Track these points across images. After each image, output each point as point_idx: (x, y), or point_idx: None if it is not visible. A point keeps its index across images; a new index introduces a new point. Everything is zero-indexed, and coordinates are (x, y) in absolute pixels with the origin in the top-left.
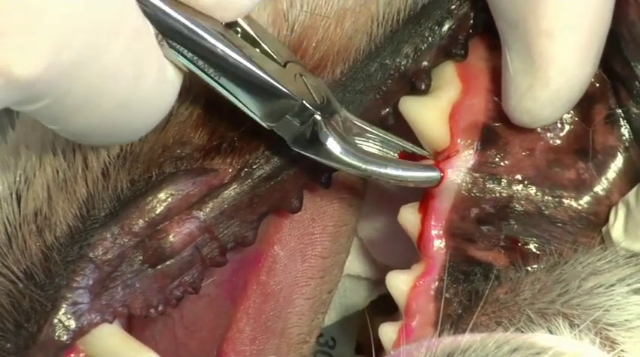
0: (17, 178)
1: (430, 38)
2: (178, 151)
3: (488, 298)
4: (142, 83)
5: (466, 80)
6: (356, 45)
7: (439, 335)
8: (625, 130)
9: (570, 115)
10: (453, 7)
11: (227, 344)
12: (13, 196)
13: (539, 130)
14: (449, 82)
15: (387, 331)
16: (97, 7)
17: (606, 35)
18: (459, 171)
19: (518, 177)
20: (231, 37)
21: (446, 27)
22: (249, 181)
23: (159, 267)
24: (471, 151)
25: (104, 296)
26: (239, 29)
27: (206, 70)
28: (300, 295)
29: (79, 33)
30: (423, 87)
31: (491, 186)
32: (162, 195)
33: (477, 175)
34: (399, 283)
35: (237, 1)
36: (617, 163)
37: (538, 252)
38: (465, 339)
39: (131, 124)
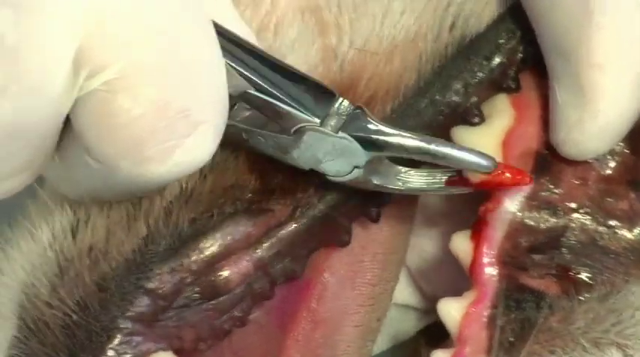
0: (77, 214)
1: (480, 73)
2: (238, 192)
3: (542, 326)
4: None
5: (519, 108)
6: (405, 81)
7: None
8: None
9: (620, 147)
10: (502, 41)
11: None
12: (68, 229)
13: (590, 159)
14: (502, 111)
15: None
16: None
17: None
18: (513, 199)
19: (572, 206)
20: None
21: (496, 61)
22: (305, 219)
23: (212, 302)
24: None
25: (158, 327)
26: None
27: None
28: (350, 323)
29: None
30: (476, 120)
31: (545, 214)
32: (222, 234)
33: (532, 203)
34: (451, 310)
35: None
36: None
37: (590, 282)
38: None
39: None
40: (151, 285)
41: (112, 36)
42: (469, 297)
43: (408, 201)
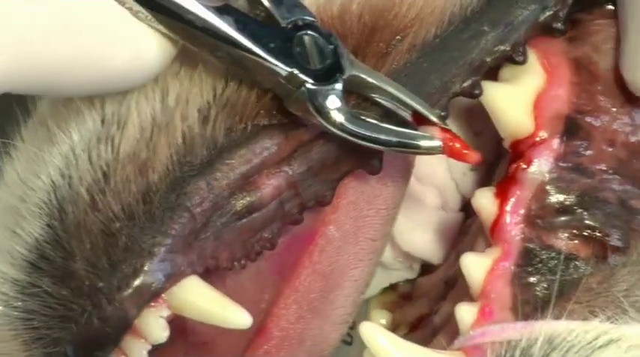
0: (109, 117)
1: (528, 11)
2: (271, 102)
3: (581, 287)
4: (111, 64)
5: (549, 71)
6: (450, 7)
7: (523, 319)
8: None
9: None
10: None
11: (271, 320)
12: (108, 134)
13: (619, 122)
14: (533, 71)
15: (465, 312)
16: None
17: None
18: (543, 160)
19: (602, 167)
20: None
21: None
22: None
23: (245, 220)
24: (556, 141)
25: (196, 247)
26: None
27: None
28: (350, 278)
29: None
30: (520, 59)
31: (574, 176)
32: (257, 147)
33: (561, 164)
34: (475, 265)
35: None
36: None
37: (619, 243)
38: (564, 324)
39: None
40: (190, 201)
41: None
42: (493, 254)
43: (406, 156)
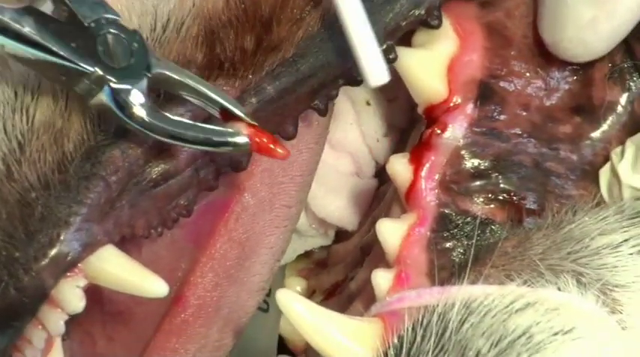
0: (23, 88)
1: None
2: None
3: (497, 251)
4: None
5: (462, 36)
6: None
7: (439, 285)
8: (632, 84)
9: (569, 71)
10: None
11: (188, 288)
12: (23, 105)
13: (533, 86)
14: (446, 37)
15: (381, 278)
16: None
17: None
18: (457, 125)
19: (516, 131)
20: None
21: None
22: (253, 101)
23: (161, 187)
24: (470, 106)
25: (112, 216)
26: None
27: None
28: (266, 245)
29: None
30: (435, 23)
31: (488, 140)
32: (170, 113)
33: (475, 129)
34: (391, 230)
35: None
36: (618, 116)
37: (534, 206)
38: (481, 289)
39: None
40: (105, 170)
41: None
42: (408, 219)
43: (321, 121)
